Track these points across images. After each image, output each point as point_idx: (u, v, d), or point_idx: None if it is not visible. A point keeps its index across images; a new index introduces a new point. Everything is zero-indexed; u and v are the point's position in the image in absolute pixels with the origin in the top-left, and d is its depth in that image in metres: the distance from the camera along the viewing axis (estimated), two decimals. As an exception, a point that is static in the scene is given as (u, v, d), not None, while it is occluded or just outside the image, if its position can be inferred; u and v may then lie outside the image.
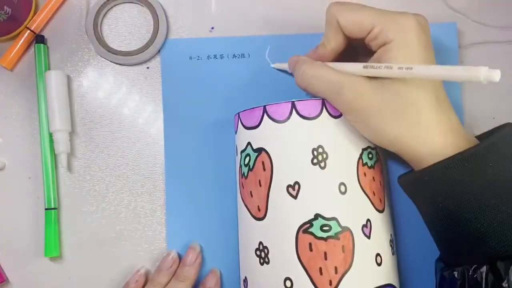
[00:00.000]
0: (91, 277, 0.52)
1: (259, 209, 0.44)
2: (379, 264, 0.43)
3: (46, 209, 0.51)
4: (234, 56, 0.53)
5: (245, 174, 0.46)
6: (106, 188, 0.53)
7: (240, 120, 0.46)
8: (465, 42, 0.54)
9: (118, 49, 0.54)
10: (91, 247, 0.52)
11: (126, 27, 0.55)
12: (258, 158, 0.44)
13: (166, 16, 0.54)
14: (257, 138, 0.45)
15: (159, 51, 0.54)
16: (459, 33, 0.53)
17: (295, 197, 0.42)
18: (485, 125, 0.52)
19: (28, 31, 0.53)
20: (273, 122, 0.44)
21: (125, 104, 0.54)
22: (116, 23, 0.55)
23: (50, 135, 0.52)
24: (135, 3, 0.55)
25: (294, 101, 0.43)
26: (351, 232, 0.42)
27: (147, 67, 0.54)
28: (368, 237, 0.43)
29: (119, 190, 0.53)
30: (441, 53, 0.52)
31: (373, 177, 0.45)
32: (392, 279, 0.44)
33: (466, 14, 0.54)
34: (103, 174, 0.53)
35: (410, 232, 0.51)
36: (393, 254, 0.46)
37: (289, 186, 0.43)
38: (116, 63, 0.54)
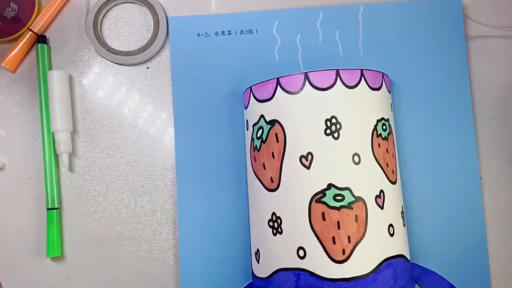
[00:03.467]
0: (91, 277, 0.52)
1: (272, 181, 0.44)
2: (391, 235, 0.43)
3: (48, 209, 0.51)
4: (241, 32, 0.53)
5: (258, 147, 0.46)
6: (106, 188, 0.53)
7: (253, 93, 0.46)
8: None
9: (118, 49, 0.54)
10: (91, 247, 0.52)
11: (126, 27, 0.55)
12: (271, 130, 0.44)
13: (166, 16, 0.54)
14: (270, 110, 0.45)
15: (159, 51, 0.54)
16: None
17: (308, 167, 0.43)
18: (485, 125, 0.53)
19: (30, 32, 0.53)
20: (287, 94, 0.44)
21: (125, 104, 0.54)
22: (116, 23, 0.55)
23: (52, 135, 0.52)
24: (135, 3, 0.55)
25: (307, 72, 0.43)
26: (364, 202, 0.42)
27: (147, 67, 0.54)
28: (382, 208, 0.43)
29: (119, 190, 0.53)
30: (447, 25, 0.53)
31: (387, 149, 0.45)
32: (403, 250, 0.45)
33: (466, 14, 0.54)
34: (103, 174, 0.53)
35: (417, 205, 0.51)
36: (404, 225, 0.46)
37: (302, 156, 0.43)
38: (116, 63, 0.54)
